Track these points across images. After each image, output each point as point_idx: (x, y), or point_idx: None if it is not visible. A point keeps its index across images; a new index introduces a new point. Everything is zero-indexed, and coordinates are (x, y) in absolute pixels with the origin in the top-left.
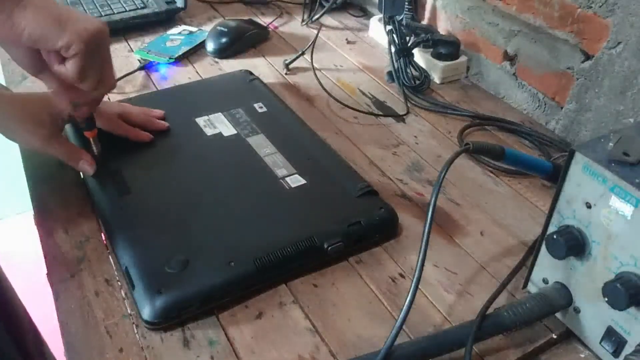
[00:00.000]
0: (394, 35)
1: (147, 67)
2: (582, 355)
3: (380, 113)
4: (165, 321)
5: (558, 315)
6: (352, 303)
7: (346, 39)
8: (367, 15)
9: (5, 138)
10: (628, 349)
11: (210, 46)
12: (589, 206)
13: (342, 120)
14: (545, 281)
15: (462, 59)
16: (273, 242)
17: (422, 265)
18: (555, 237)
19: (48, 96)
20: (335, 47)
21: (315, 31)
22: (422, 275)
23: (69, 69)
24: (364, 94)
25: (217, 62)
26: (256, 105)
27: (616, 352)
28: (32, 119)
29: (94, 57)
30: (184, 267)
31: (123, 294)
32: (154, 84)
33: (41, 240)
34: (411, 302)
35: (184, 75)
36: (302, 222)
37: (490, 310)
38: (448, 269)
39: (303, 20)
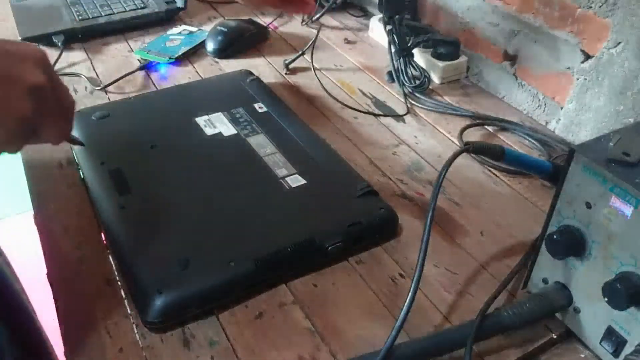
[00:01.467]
0: (394, 35)
1: (147, 67)
2: (582, 355)
3: (380, 113)
4: (165, 321)
5: (558, 315)
6: (352, 303)
7: (345, 39)
8: (367, 15)
9: None
10: (628, 349)
11: (210, 46)
12: (589, 206)
13: (342, 120)
14: (545, 281)
15: (462, 59)
16: (273, 242)
17: (422, 265)
18: (555, 237)
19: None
20: (335, 47)
21: (315, 31)
22: (422, 275)
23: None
24: (364, 94)
25: (217, 62)
26: (256, 105)
27: (616, 352)
28: None
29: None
30: (184, 267)
31: (123, 294)
32: (154, 84)
33: (41, 240)
34: (411, 302)
35: (184, 75)
36: (302, 222)
37: (490, 310)
38: (448, 269)
39: (303, 20)
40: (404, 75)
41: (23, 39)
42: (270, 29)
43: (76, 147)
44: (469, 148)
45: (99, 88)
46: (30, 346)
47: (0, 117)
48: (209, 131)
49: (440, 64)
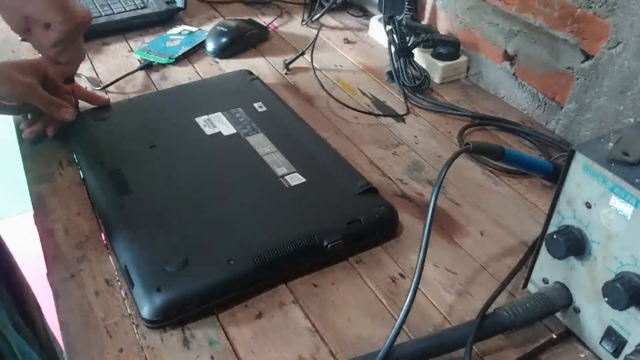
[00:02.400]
0: (394, 35)
1: (147, 67)
2: (582, 355)
3: (380, 113)
4: (164, 319)
5: (558, 315)
6: (352, 303)
7: (345, 39)
8: (367, 15)
9: None
10: (628, 349)
11: (210, 46)
12: (589, 206)
13: (342, 120)
14: (545, 281)
15: (462, 59)
16: (273, 240)
17: (422, 265)
18: (555, 237)
19: (31, 60)
20: (335, 47)
21: (315, 31)
22: (422, 275)
23: (51, 38)
24: (364, 94)
25: (217, 62)
26: (256, 105)
27: (616, 352)
28: (18, 69)
29: (74, 39)
30: (184, 265)
31: (123, 294)
32: (154, 84)
33: (41, 240)
34: (411, 302)
35: (184, 75)
36: (301, 220)
37: (490, 310)
38: (448, 269)
39: (303, 20)
40: (404, 75)
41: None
42: (270, 29)
43: (76, 147)
44: (469, 148)
45: (99, 88)
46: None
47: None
48: (208, 131)
49: (440, 64)
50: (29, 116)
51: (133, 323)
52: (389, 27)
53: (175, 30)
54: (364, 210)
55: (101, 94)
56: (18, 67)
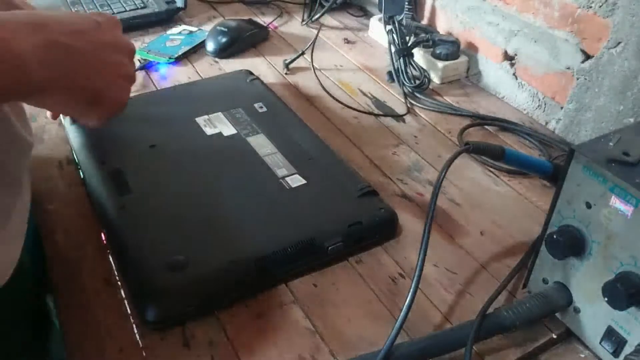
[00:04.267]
0: (394, 35)
1: (147, 67)
2: (582, 355)
3: (380, 113)
4: (165, 321)
5: (558, 315)
6: (352, 303)
7: (345, 39)
8: (367, 15)
9: None
10: (628, 349)
11: (210, 46)
12: (589, 206)
13: (342, 120)
14: (545, 281)
15: (462, 59)
16: (273, 241)
17: (422, 265)
18: (555, 237)
19: None
20: (335, 47)
21: (315, 31)
22: (422, 275)
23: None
24: (364, 94)
25: (217, 62)
26: (256, 105)
27: (616, 352)
28: None
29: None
30: (184, 266)
31: (123, 294)
32: (154, 84)
33: (41, 240)
34: (411, 302)
35: (184, 75)
36: (302, 222)
37: (490, 310)
38: (448, 269)
39: (303, 20)
40: (404, 75)
41: None
42: (270, 29)
43: (76, 147)
44: (469, 148)
45: None
46: None
47: (128, 78)
48: (209, 131)
49: (440, 64)
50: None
51: (133, 323)
52: (389, 27)
53: (175, 30)
54: (364, 212)
55: None
56: None
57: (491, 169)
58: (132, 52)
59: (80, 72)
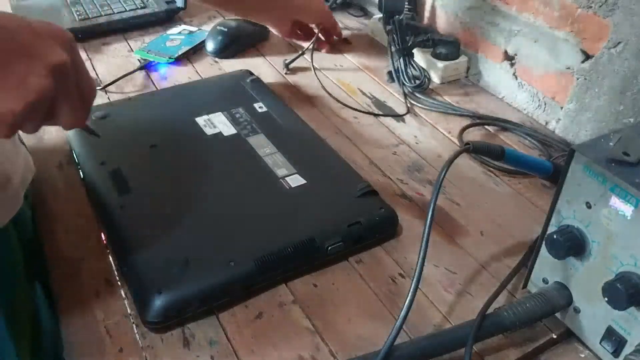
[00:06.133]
0: (394, 35)
1: (147, 67)
2: (582, 355)
3: (380, 113)
4: (165, 321)
5: (558, 315)
6: (352, 303)
7: (345, 39)
8: (367, 15)
9: None
10: (628, 349)
11: (210, 46)
12: (589, 206)
13: (342, 120)
14: (545, 281)
15: (462, 59)
16: (273, 241)
17: (422, 265)
18: (555, 237)
19: None
20: (335, 46)
21: (316, 31)
22: (422, 275)
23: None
24: (364, 94)
25: (217, 62)
26: (256, 105)
27: (616, 352)
28: None
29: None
30: (184, 266)
31: (123, 294)
32: (154, 84)
33: (44, 244)
34: (411, 302)
35: (184, 75)
36: (302, 222)
37: (490, 310)
38: (448, 269)
39: None
40: (404, 75)
41: None
42: (270, 29)
43: (76, 147)
44: (469, 148)
45: (99, 88)
46: None
47: (21, 91)
48: (209, 131)
49: (440, 64)
50: None
51: (133, 323)
52: (389, 27)
53: (175, 30)
54: (364, 212)
55: (101, 94)
56: None
57: (491, 169)
58: (66, 40)
59: None
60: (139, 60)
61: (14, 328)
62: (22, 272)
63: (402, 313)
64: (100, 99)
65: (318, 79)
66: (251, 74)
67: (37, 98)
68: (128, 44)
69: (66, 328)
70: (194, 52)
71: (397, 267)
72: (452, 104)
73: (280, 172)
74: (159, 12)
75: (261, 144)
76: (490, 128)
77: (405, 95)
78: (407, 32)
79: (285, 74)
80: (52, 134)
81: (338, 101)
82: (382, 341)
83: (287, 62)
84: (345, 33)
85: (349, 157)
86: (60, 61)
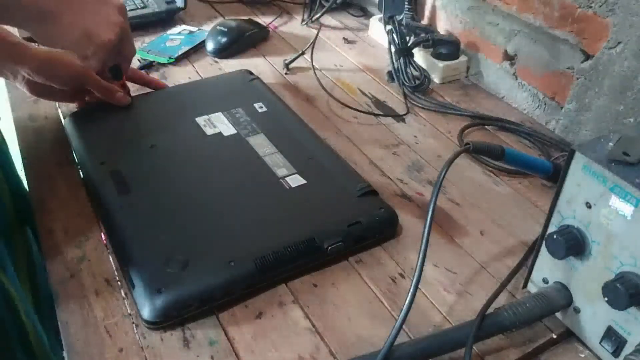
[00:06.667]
0: (394, 35)
1: (147, 66)
2: (582, 355)
3: (380, 113)
4: (165, 321)
5: (558, 315)
6: (352, 303)
7: (345, 39)
8: (367, 15)
9: (47, 74)
10: (628, 349)
11: (210, 46)
12: (589, 206)
13: (342, 120)
14: (545, 281)
15: (462, 59)
16: (273, 241)
17: (422, 265)
18: (555, 237)
19: None
20: (335, 47)
21: (315, 31)
22: (422, 275)
23: (93, 65)
24: (364, 94)
25: (217, 62)
26: (256, 105)
27: (616, 352)
28: (74, 56)
29: (116, 50)
30: (184, 266)
31: (123, 294)
32: None
33: (41, 240)
34: (411, 302)
35: (184, 75)
36: (302, 222)
37: (490, 310)
38: (448, 269)
39: (303, 20)
40: (404, 75)
41: (24, 38)
42: (270, 29)
43: (76, 147)
44: (469, 148)
45: None
46: None
47: (110, 25)
48: (209, 131)
49: (440, 64)
50: (76, 105)
51: (133, 323)
52: (389, 27)
53: (175, 30)
54: (364, 212)
55: None
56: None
57: (491, 169)
58: (121, 7)
59: (76, 11)
60: (138, 60)
61: (16, 266)
62: (14, 215)
63: (402, 313)
64: None
65: (318, 79)
66: (251, 74)
67: (120, 30)
68: None
69: (66, 328)
70: (194, 52)
71: (397, 267)
72: (452, 104)
73: (280, 172)
74: (159, 12)
75: (261, 144)
76: (490, 128)
77: (405, 95)
78: (407, 32)
79: (285, 74)
80: (52, 133)
81: (338, 101)
82: (382, 341)
83: (287, 62)
84: (345, 33)
85: (349, 157)
86: (122, 4)
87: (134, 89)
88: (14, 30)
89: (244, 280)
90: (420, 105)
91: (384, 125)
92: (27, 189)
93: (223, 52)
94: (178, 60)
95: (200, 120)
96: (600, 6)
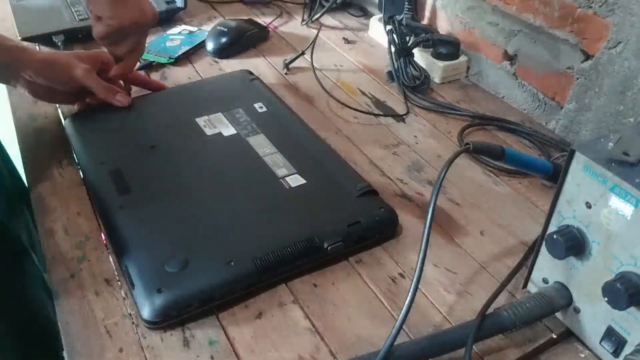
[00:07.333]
0: (394, 35)
1: (147, 67)
2: (582, 355)
3: (380, 113)
4: (165, 320)
5: (558, 315)
6: (352, 303)
7: (345, 39)
8: (367, 15)
9: (48, 76)
10: (628, 349)
11: (210, 46)
12: (589, 206)
13: (342, 120)
14: (545, 281)
15: (462, 59)
16: (273, 241)
17: (422, 265)
18: (555, 237)
19: (89, 51)
20: (335, 47)
21: (315, 31)
22: (422, 275)
23: (99, 31)
24: (364, 94)
25: (217, 62)
26: (256, 105)
27: (616, 352)
28: (76, 57)
29: (126, 35)
30: (184, 266)
31: (123, 294)
32: None
33: (41, 240)
34: (411, 302)
35: (184, 75)
36: (302, 222)
37: (490, 310)
38: (448, 269)
39: (303, 20)
40: (404, 75)
41: (23, 38)
42: (270, 29)
43: (76, 147)
44: (469, 148)
45: None
46: None
47: (149, 4)
48: (209, 131)
49: (440, 64)
50: (76, 107)
51: (133, 323)
52: (389, 27)
53: (175, 30)
54: (364, 212)
55: None
56: (76, 56)
57: (491, 169)
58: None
59: None
60: (139, 60)
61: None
62: (14, 194)
63: (402, 313)
64: None
65: (318, 79)
66: (251, 74)
67: (154, 18)
68: None
69: (66, 328)
70: (194, 52)
71: (397, 267)
72: (452, 104)
73: (280, 172)
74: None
75: (261, 144)
76: (490, 128)
77: (405, 95)
78: (407, 32)
79: (285, 74)
80: (52, 133)
81: (338, 101)
82: (382, 341)
83: (287, 62)
84: (345, 33)
85: (349, 157)
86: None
87: (134, 90)
88: (13, 35)
89: (244, 280)
90: (420, 106)
91: (384, 125)
92: (21, 176)
93: (223, 52)
94: (178, 60)
95: (200, 120)
96: (600, 6)
